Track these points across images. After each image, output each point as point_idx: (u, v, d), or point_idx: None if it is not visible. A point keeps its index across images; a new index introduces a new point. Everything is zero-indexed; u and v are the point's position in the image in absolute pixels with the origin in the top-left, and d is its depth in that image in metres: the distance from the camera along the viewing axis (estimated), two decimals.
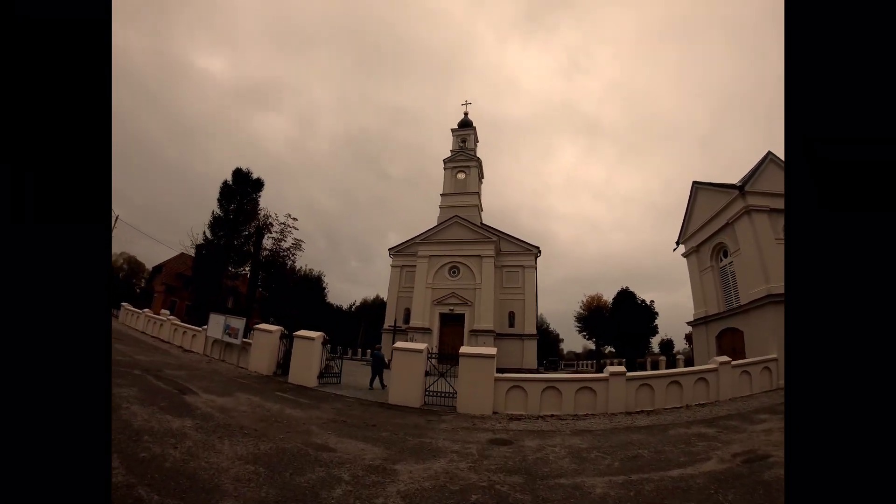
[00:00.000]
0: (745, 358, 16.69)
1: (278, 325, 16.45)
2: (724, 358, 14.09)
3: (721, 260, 23.83)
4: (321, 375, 14.09)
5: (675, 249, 28.17)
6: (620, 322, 44.63)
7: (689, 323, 26.20)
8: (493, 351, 12.25)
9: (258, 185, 31.17)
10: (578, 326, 58.28)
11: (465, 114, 44.12)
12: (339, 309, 60.22)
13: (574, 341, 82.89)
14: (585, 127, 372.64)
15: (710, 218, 23.85)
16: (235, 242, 29.53)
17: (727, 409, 11.57)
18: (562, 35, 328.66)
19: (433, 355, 13.10)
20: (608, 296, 54.89)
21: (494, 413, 10.98)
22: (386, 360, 15.80)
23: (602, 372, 12.17)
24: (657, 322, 45.96)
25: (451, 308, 33.55)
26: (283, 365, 14.87)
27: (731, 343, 21.09)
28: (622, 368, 12.08)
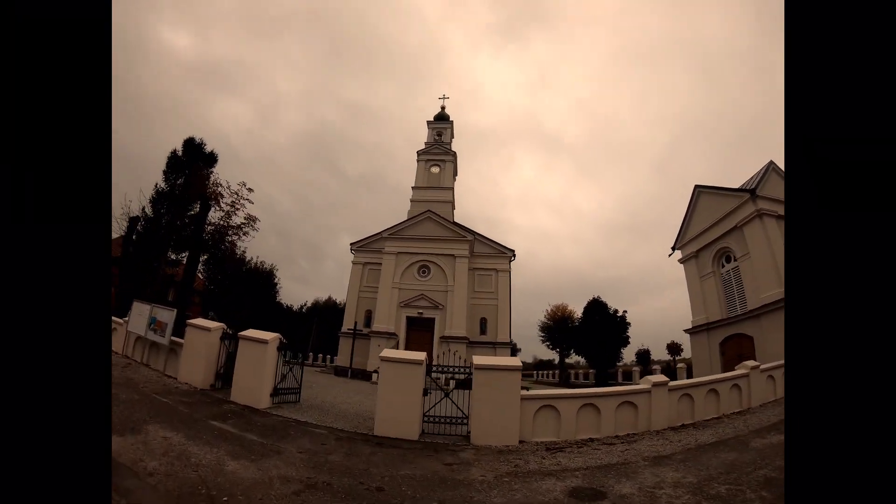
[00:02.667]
0: None
1: (220, 321, 12.66)
2: (753, 363, 13.04)
3: (723, 265, 22.90)
4: (276, 392, 10.55)
5: (670, 255, 27.26)
6: (591, 332, 42.96)
7: (687, 331, 25.15)
8: (516, 362, 9.47)
9: (211, 159, 25.82)
10: (542, 336, 56.63)
11: (443, 108, 41.22)
12: (289, 309, 55.41)
13: (532, 351, 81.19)
14: (547, 142, 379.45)
15: (712, 223, 22.83)
16: (179, 223, 24.35)
17: (765, 416, 10.72)
18: (533, 50, 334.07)
19: (437, 368, 9.94)
20: (573, 306, 53.66)
21: (521, 442, 8.53)
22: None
23: (608, 384, 10.74)
24: (629, 333, 44.72)
25: (420, 311, 30.23)
26: (225, 375, 11.21)
27: (737, 349, 20.09)
28: (664, 378, 10.56)
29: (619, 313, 46.84)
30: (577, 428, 9.10)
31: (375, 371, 27.00)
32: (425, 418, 9.16)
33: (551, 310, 56.87)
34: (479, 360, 9.40)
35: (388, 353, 9.57)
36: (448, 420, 9.29)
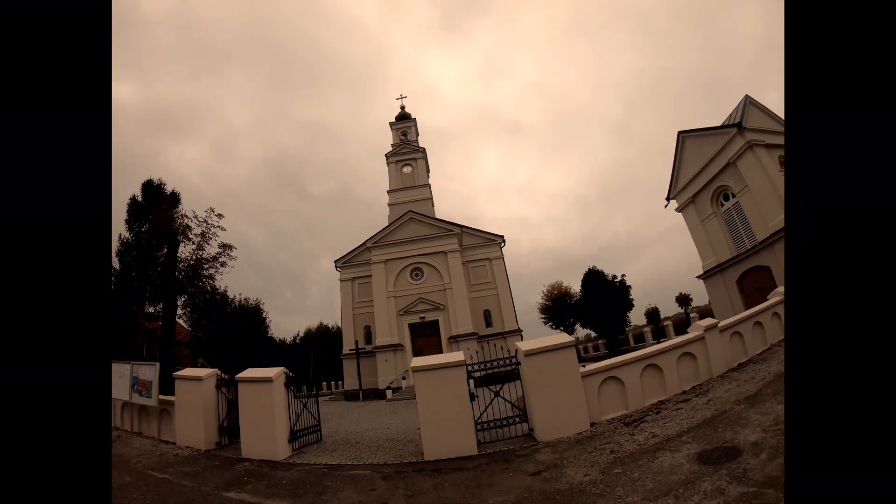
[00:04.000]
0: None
1: (210, 367, 10.97)
2: (782, 289, 12.45)
3: (722, 204, 22.46)
4: (294, 436, 8.99)
5: (665, 206, 26.69)
6: (594, 303, 42.05)
7: (700, 276, 24.67)
8: (568, 338, 8.35)
9: (174, 200, 23.42)
10: (544, 317, 55.74)
11: (402, 107, 39.85)
12: (283, 342, 53.02)
13: (535, 335, 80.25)
14: (507, 129, 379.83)
15: (704, 164, 22.48)
16: (152, 273, 22.09)
17: None
18: (478, 40, 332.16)
19: (477, 368, 8.53)
20: (567, 283, 52.99)
21: (593, 425, 7.73)
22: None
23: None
24: (632, 296, 43.97)
25: (422, 316, 28.71)
26: (230, 428, 9.60)
27: (756, 283, 19.84)
28: (713, 320, 10.07)
29: (618, 279, 46.85)
30: (643, 394, 8.41)
31: (389, 388, 25.62)
32: (476, 426, 7.78)
33: (548, 289, 56.24)
34: (525, 345, 8.22)
35: (419, 361, 8.17)
36: (502, 422, 8.13)
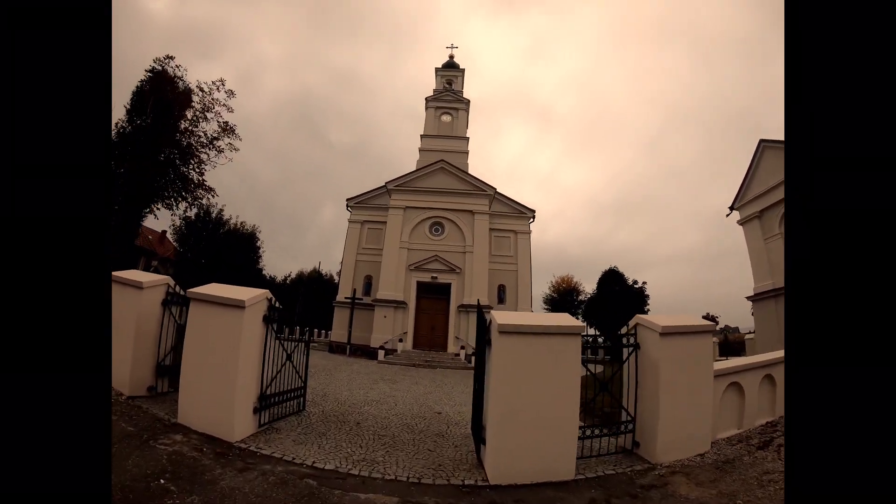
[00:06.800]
0: None
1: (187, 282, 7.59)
2: None
3: None
4: (264, 402, 5.65)
5: (728, 215, 23.68)
6: (610, 303, 39.32)
7: (750, 298, 22.02)
8: (706, 322, 6.10)
9: (186, 98, 19.57)
10: (547, 308, 53.47)
11: (451, 56, 35.62)
12: (272, 279, 49.98)
13: None
14: (538, 114, 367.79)
15: (780, 181, 19.27)
16: (147, 163, 18.10)
17: None
18: (530, 18, 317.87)
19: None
20: (578, 278, 50.65)
21: (712, 445, 5.77)
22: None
23: None
24: (648, 306, 41.33)
25: (434, 276, 25.33)
26: (173, 370, 6.32)
27: None
28: None
29: (639, 284, 44.45)
30: (757, 409, 6.75)
31: (382, 347, 22.50)
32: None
33: (556, 281, 53.85)
34: (658, 320, 5.63)
35: (507, 317, 5.05)
36: (601, 431, 5.59)
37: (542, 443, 4.60)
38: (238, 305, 5.23)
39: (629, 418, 5.68)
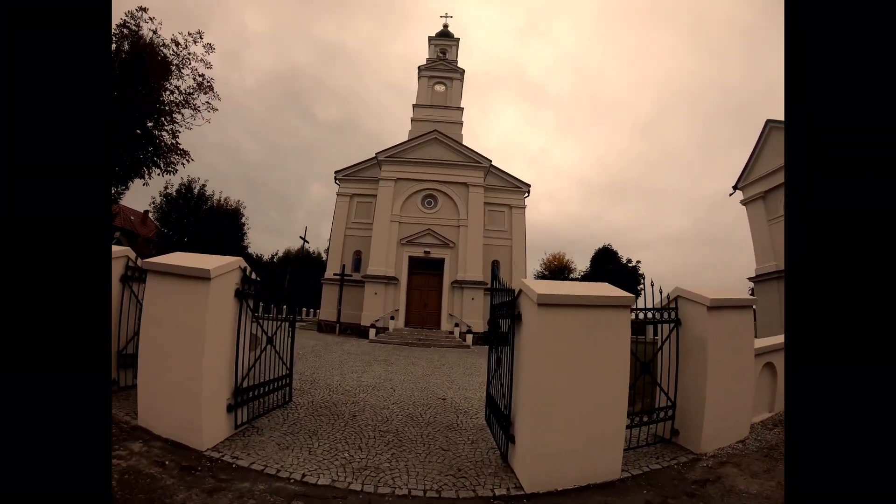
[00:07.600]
0: None
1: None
2: None
3: None
4: (240, 398, 4.63)
5: (731, 195, 23.04)
6: (601, 282, 38.95)
7: (752, 279, 21.36)
8: (750, 297, 6.05)
9: (164, 68, 17.56)
10: None
11: (445, 25, 33.74)
12: (259, 258, 48.51)
13: None
14: (530, 92, 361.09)
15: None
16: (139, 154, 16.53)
17: None
18: None
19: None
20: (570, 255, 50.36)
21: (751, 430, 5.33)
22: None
23: None
24: (642, 285, 41.01)
25: (427, 250, 24.26)
26: (136, 359, 5.27)
27: None
28: None
29: (633, 263, 44.05)
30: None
31: (373, 326, 21.56)
32: None
33: (548, 259, 53.43)
34: (706, 292, 4.98)
35: (545, 286, 4.14)
36: (642, 418, 4.86)
37: (586, 439, 3.77)
38: (202, 276, 4.17)
39: (669, 403, 4.96)
